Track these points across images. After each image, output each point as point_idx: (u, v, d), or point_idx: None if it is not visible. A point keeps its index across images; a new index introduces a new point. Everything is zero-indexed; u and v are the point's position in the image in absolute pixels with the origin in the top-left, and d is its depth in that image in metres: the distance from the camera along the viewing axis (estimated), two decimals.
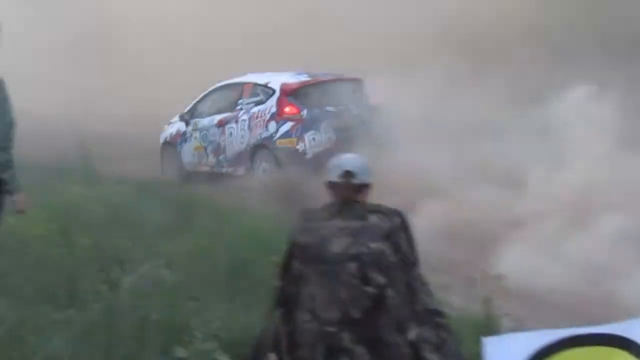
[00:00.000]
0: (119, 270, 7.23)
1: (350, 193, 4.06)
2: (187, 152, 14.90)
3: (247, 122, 13.82)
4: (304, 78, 13.93)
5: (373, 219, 4.02)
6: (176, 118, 15.26)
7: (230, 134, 14.09)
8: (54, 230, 7.92)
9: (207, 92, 15.01)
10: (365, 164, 4.13)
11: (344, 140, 12.40)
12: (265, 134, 13.65)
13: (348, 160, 4.14)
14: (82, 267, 7.37)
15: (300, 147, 13.19)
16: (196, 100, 15.11)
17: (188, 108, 15.10)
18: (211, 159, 14.50)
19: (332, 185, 4.11)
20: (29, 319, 5.64)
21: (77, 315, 5.95)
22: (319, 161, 11.60)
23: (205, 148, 14.57)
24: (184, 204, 10.89)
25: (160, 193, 11.70)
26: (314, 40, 18.52)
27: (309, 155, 13.07)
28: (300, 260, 4.05)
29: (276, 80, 13.87)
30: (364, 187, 4.10)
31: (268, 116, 13.61)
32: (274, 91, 13.71)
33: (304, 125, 13.26)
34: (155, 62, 21.80)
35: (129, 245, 8.17)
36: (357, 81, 13.97)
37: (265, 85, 13.90)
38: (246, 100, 14.08)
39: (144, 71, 21.34)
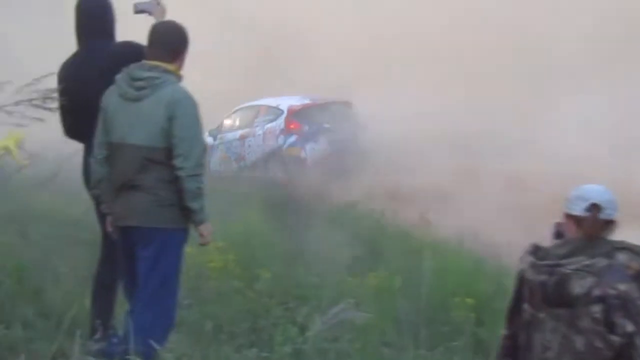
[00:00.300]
0: (303, 307, 7.12)
1: (596, 229, 3.79)
2: (215, 162, 18.86)
3: (262, 136, 18.39)
4: (306, 101, 18.69)
5: (620, 257, 3.71)
6: (206, 133, 16.19)
7: (249, 145, 18.56)
8: (233, 262, 7.93)
9: (230, 112, 19.68)
10: (613, 197, 3.83)
11: (336, 150, 17.33)
12: (276, 145, 17.98)
13: (594, 192, 3.83)
14: (263, 302, 7.31)
15: (302, 154, 17.50)
16: (223, 120, 19.62)
17: (215, 126, 19.28)
18: (234, 166, 18.69)
19: (574, 219, 3.82)
20: (209, 357, 5.57)
21: (260, 357, 5.83)
22: (316, 166, 16.89)
23: (230, 157, 18.87)
24: (374, 235, 10.75)
25: (345, 221, 11.59)
26: None
27: (309, 162, 17.41)
28: (532, 302, 3.79)
29: (284, 103, 18.65)
30: (610, 223, 3.83)
31: (278, 131, 18.08)
32: (282, 112, 18.36)
33: (305, 138, 17.72)
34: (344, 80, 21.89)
35: (314, 280, 8.06)
36: (347, 103, 18.73)
37: (277, 107, 18.61)
38: (261, 119, 18.71)
39: (330, 90, 21.49)
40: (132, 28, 5.92)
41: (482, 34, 20.83)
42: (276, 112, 18.59)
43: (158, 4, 5.81)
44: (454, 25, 21.33)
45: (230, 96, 19.97)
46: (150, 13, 5.78)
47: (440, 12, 21.65)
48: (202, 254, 7.32)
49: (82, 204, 12.31)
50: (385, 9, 22.91)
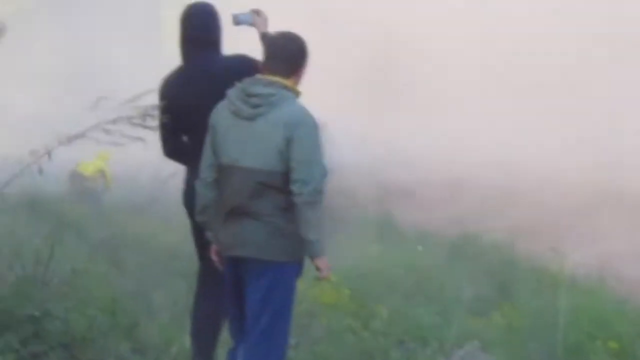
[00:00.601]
0: (423, 349, 7.04)
1: None
2: None
3: None
4: None
5: None
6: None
7: None
8: (347, 297, 7.89)
9: None
10: None
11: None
12: None
13: None
14: (379, 343, 7.26)
15: None
16: None
17: None
18: None
19: None
20: None
21: None
22: None
23: None
24: (499, 269, 10.61)
25: (471, 256, 11.46)
26: None
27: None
28: None
29: None
30: None
31: None
32: None
33: None
34: (463, 93, 21.79)
35: (436, 318, 7.97)
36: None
37: None
38: None
39: (449, 106, 21.44)
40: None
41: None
42: None
43: (258, 14, 5.83)
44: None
45: (339, 112, 20.08)
46: (251, 24, 5.81)
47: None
48: (312, 288, 7.30)
49: (179, 230, 12.58)
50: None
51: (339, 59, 25.14)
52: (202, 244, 5.69)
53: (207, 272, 5.77)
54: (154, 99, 5.92)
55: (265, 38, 5.60)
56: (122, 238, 11.99)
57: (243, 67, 5.45)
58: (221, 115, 5.18)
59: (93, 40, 40.28)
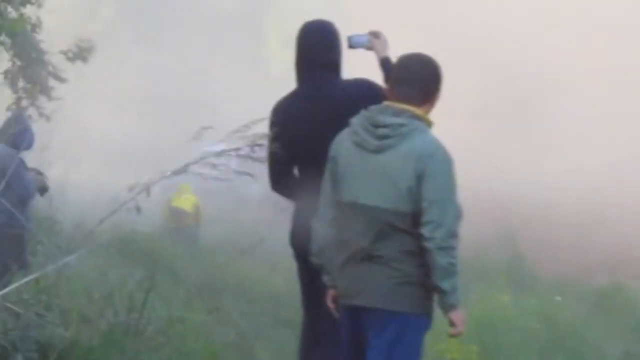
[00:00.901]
0: None
1: None
2: None
3: None
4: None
5: None
6: None
7: None
8: (476, 354, 7.73)
9: None
10: None
11: None
12: None
13: None
14: None
15: None
16: None
17: None
18: None
19: None
20: None
21: None
22: None
23: None
24: None
25: (618, 308, 11.18)
26: None
27: None
28: None
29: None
30: None
31: None
32: None
33: None
34: (605, 129, 21.43)
35: None
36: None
37: None
38: None
39: (584, 139, 21.12)
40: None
41: None
42: None
43: (377, 36, 5.75)
44: None
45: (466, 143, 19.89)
46: (368, 48, 5.74)
47: None
48: (436, 342, 7.16)
49: (285, 274, 12.58)
50: None
51: (466, 85, 25.03)
52: (310, 289, 5.63)
53: (314, 322, 5.71)
54: (261, 128, 5.88)
55: (387, 61, 5.53)
56: (221, 282, 12.04)
57: (368, 93, 5.38)
58: (343, 146, 5.08)
59: (188, 61, 40.80)
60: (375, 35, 5.79)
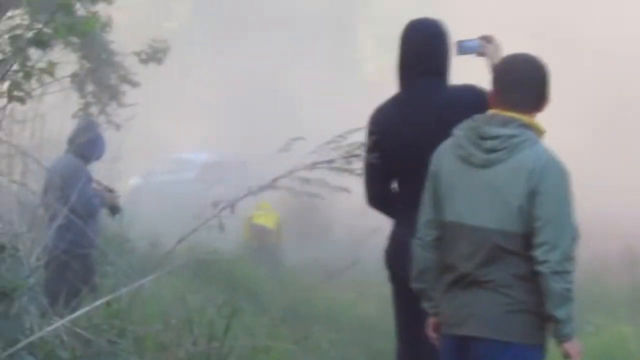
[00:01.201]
0: None
1: None
2: None
3: None
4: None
5: None
6: None
7: None
8: None
9: None
10: None
11: None
12: None
13: None
14: None
15: None
16: None
17: None
18: None
19: None
20: None
21: None
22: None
23: None
24: None
25: None
26: None
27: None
28: None
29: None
30: None
31: None
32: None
33: None
34: None
35: None
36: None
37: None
38: None
39: None
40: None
41: None
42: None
43: (489, 41, 5.70)
44: None
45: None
46: (480, 54, 5.69)
47: None
48: None
49: (376, 300, 12.55)
50: None
51: (576, 92, 24.81)
52: (407, 316, 5.61)
53: (410, 351, 5.70)
54: (356, 138, 5.86)
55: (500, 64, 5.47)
56: (308, 308, 12.04)
57: (474, 100, 5.33)
58: (446, 160, 5.03)
59: (270, 64, 40.81)
60: (487, 39, 5.72)
